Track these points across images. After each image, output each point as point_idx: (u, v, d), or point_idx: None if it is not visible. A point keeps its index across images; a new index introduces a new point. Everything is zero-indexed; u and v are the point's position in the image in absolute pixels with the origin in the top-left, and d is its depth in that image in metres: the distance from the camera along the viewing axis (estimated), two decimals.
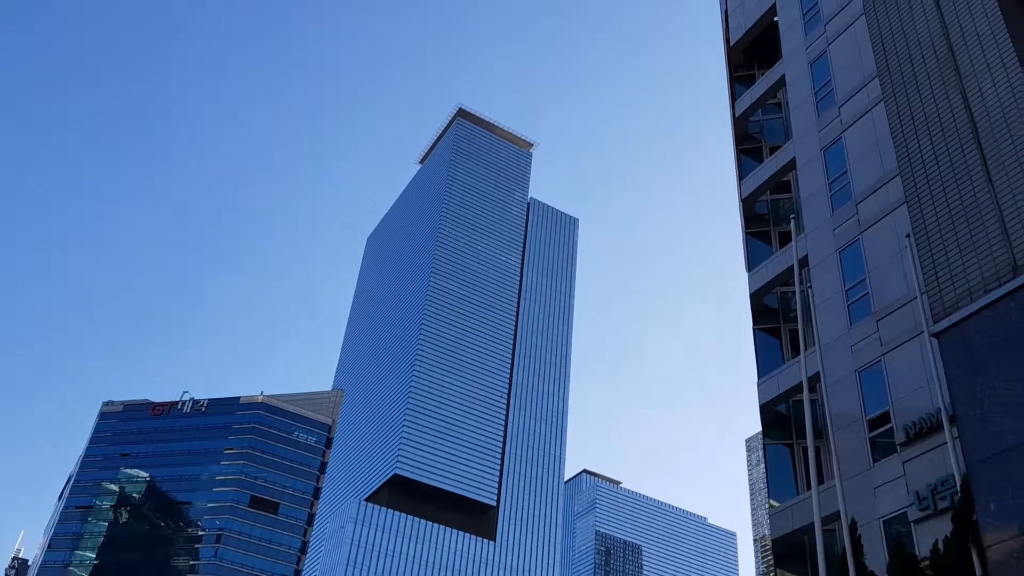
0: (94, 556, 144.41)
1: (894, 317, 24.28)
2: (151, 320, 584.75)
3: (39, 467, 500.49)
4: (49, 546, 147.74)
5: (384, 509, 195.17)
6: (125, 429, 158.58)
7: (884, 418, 23.51)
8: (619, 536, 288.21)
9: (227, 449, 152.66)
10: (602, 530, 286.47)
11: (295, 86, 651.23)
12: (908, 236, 15.15)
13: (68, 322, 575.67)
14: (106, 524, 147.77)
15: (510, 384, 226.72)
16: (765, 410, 29.60)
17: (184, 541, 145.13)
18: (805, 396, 20.22)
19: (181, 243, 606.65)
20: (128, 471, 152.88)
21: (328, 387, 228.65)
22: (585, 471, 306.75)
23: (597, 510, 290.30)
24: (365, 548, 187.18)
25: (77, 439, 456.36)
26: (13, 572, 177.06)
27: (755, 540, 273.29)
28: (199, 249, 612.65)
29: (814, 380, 24.99)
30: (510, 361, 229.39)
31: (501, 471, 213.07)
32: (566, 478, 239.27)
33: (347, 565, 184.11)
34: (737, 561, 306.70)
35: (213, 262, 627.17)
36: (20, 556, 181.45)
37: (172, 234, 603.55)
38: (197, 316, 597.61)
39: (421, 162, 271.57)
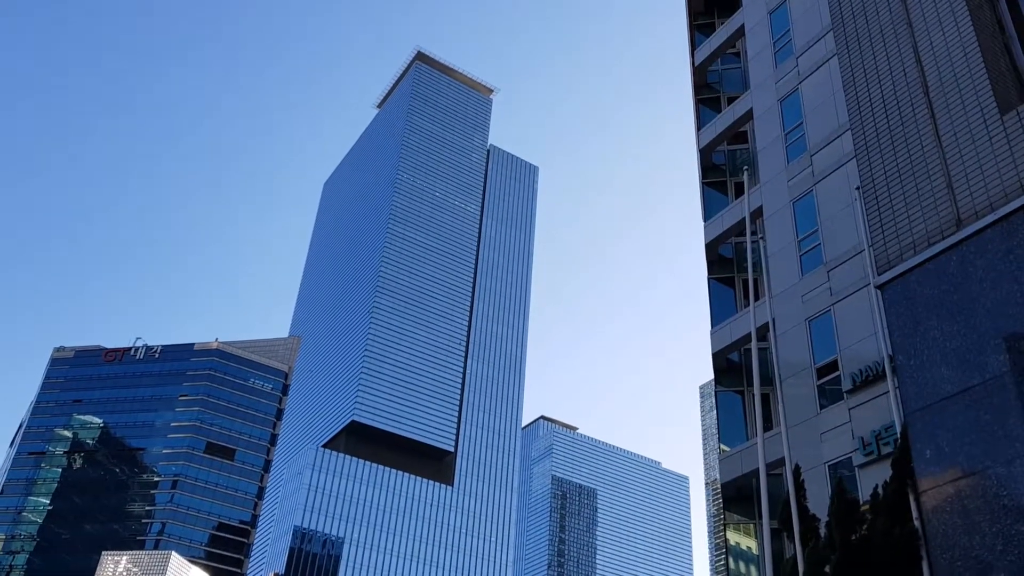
0: (48, 502, 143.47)
1: (844, 268, 24.72)
2: (103, 263, 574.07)
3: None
4: (1, 491, 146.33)
5: (342, 455, 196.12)
6: (77, 375, 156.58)
7: (832, 366, 24.08)
8: (575, 480, 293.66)
9: (182, 396, 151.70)
10: (558, 475, 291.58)
11: (249, 27, 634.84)
12: (857, 188, 15.42)
13: (15, 264, 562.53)
14: (60, 470, 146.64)
15: (469, 331, 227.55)
16: (717, 358, 30.13)
17: (139, 487, 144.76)
18: (754, 344, 20.61)
19: (134, 185, 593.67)
20: (81, 417, 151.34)
21: (285, 334, 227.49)
22: (542, 417, 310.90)
23: (554, 455, 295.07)
24: (323, 493, 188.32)
25: (27, 385, 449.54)
26: None
27: (707, 484, 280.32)
28: (153, 192, 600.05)
29: (765, 329, 25.44)
30: (469, 308, 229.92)
31: (459, 417, 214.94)
32: (523, 424, 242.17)
33: (304, 510, 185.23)
34: (689, 504, 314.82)
35: (168, 206, 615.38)
36: None
37: (125, 176, 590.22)
38: (150, 261, 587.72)
39: (379, 107, 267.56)
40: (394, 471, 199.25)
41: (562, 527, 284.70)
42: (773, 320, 24.86)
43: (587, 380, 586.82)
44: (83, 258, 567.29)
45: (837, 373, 23.76)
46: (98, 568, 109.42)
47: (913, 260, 11.47)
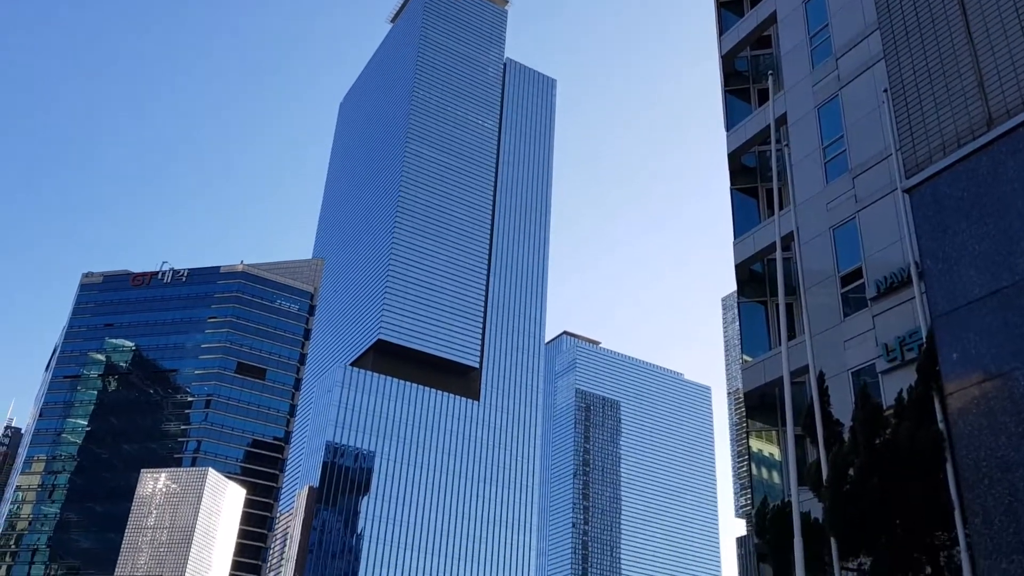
0: (86, 424, 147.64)
1: (870, 174, 24.35)
2: (126, 189, 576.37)
3: (23, 337, 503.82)
4: (40, 415, 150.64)
5: (370, 373, 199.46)
6: (107, 300, 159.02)
7: (856, 274, 23.97)
8: (598, 393, 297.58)
9: (211, 318, 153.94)
10: (582, 388, 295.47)
11: None
12: (885, 91, 15.00)
13: (42, 191, 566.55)
14: (95, 392, 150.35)
15: (490, 248, 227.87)
16: (740, 269, 30.04)
17: (174, 407, 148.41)
18: (778, 254, 20.51)
19: (153, 110, 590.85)
20: (113, 341, 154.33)
21: (308, 255, 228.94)
22: (565, 333, 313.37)
23: (577, 369, 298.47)
24: (353, 410, 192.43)
25: (59, 309, 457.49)
26: (7, 440, 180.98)
27: (729, 394, 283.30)
28: (173, 117, 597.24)
29: (789, 239, 25.26)
30: (490, 225, 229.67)
31: (483, 334, 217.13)
32: (547, 339, 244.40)
33: (336, 426, 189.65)
34: (712, 414, 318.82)
35: (188, 130, 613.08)
36: (12, 425, 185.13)
37: (144, 101, 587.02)
38: (173, 186, 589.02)
39: (392, 21, 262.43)
40: (421, 387, 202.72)
41: (586, 438, 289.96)
42: (797, 229, 24.66)
43: (609, 295, 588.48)
44: (106, 184, 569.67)
45: (861, 281, 23.66)
46: (138, 485, 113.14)
47: (943, 162, 11.26)
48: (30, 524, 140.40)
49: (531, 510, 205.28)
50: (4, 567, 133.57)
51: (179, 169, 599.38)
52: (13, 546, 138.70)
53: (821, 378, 16.26)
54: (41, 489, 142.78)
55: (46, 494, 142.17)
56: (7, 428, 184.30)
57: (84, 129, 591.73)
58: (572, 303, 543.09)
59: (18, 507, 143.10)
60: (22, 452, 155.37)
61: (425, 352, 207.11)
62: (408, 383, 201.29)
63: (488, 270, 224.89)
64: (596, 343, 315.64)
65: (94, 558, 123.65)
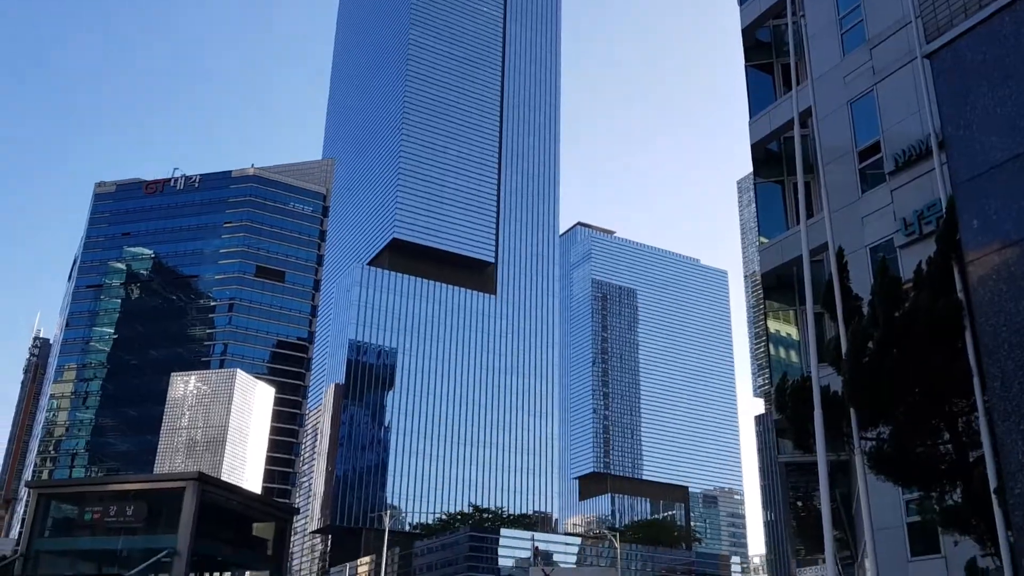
0: (112, 331, 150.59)
1: (888, 44, 23.74)
2: (130, 96, 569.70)
3: (44, 249, 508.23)
4: (67, 325, 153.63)
5: (386, 271, 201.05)
6: (122, 208, 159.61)
7: (874, 148, 23.69)
8: (614, 282, 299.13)
9: (226, 223, 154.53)
10: (598, 278, 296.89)
11: None
12: None
13: (53, 102, 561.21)
14: (119, 301, 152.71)
15: (500, 141, 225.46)
16: (756, 148, 29.70)
17: (198, 312, 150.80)
18: (796, 131, 20.24)
19: (155, 15, 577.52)
20: (131, 249, 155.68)
21: (318, 156, 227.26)
22: (579, 223, 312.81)
23: (592, 259, 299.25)
24: (372, 308, 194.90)
25: (77, 221, 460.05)
26: (36, 351, 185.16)
27: (745, 277, 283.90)
28: (174, 20, 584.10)
29: (805, 115, 24.87)
30: (498, 117, 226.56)
31: (497, 228, 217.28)
32: (561, 231, 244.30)
33: (356, 325, 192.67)
34: (728, 297, 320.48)
35: (185, 31, 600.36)
36: (40, 336, 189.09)
37: (145, 7, 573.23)
38: (178, 91, 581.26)
39: None
40: (438, 284, 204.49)
41: (604, 327, 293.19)
42: (814, 104, 24.25)
43: (623, 185, 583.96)
44: (113, 94, 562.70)
45: (879, 155, 23.41)
46: (170, 388, 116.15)
47: (964, 24, 10.99)
48: (67, 430, 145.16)
49: (552, 399, 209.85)
50: (46, 472, 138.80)
51: (183, 73, 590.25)
52: (53, 451, 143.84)
53: (840, 254, 16.30)
54: (75, 396, 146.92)
55: (80, 401, 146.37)
56: (35, 339, 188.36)
57: (91, 41, 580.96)
58: (585, 194, 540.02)
59: (54, 414, 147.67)
60: (52, 362, 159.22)
61: (440, 249, 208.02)
62: (425, 280, 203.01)
63: (499, 163, 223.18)
64: (610, 233, 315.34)
65: (132, 459, 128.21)
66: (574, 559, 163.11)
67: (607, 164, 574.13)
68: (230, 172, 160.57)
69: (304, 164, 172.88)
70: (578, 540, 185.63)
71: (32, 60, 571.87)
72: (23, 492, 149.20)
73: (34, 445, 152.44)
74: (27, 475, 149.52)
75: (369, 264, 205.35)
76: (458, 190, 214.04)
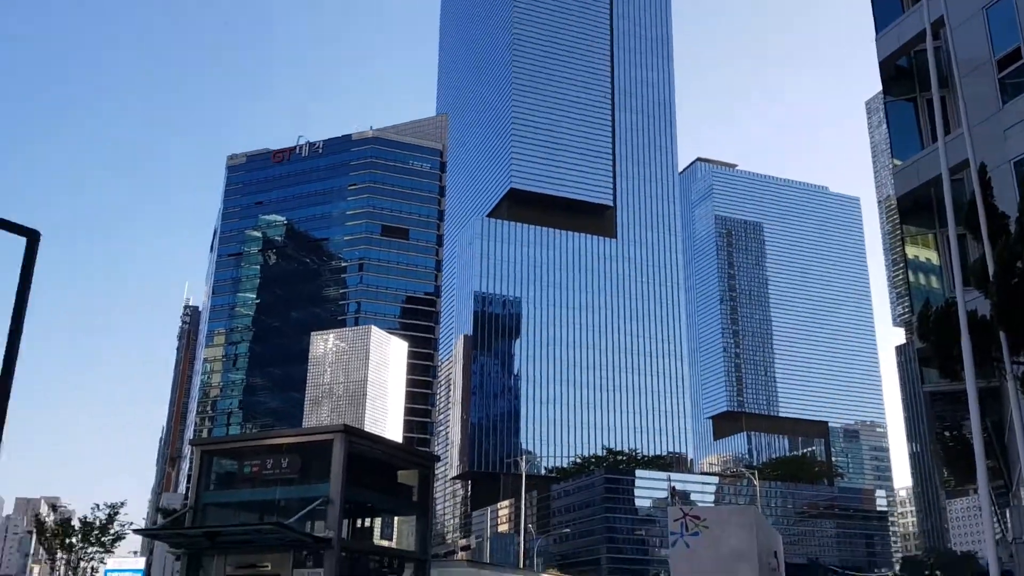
0: (255, 296, 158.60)
1: None
2: (247, 70, 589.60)
3: (187, 222, 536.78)
4: (213, 292, 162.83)
5: (506, 222, 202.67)
6: (253, 179, 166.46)
7: (1014, 56, 22.10)
8: (739, 217, 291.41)
9: (350, 185, 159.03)
10: (721, 214, 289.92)
11: None
12: None
13: (178, 77, 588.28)
14: (258, 267, 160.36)
15: (612, 81, 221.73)
16: (885, 66, 28.15)
17: (330, 273, 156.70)
18: (928, 43, 19.11)
19: None
20: (265, 217, 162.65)
21: (432, 113, 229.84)
22: (699, 159, 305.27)
23: (714, 195, 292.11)
24: (493, 260, 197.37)
25: (213, 192, 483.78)
26: (187, 319, 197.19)
27: (879, 202, 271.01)
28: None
29: (937, 26, 23.38)
30: (609, 57, 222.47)
31: (614, 170, 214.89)
32: (680, 168, 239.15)
33: (480, 277, 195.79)
34: (861, 225, 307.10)
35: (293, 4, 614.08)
36: (190, 304, 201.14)
37: None
38: (289, 61, 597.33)
39: None
40: (558, 231, 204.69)
41: (730, 264, 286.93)
42: (946, 13, 22.76)
43: (744, 116, 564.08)
44: (235, 66, 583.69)
45: (1020, 63, 21.84)
46: (310, 347, 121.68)
47: None
48: (221, 391, 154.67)
49: (680, 339, 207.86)
50: (205, 430, 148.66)
51: (296, 41, 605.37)
52: (210, 411, 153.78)
53: (983, 170, 15.43)
54: (225, 359, 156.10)
55: (230, 363, 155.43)
56: (186, 308, 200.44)
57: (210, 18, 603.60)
58: (704, 128, 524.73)
59: (208, 377, 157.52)
60: (203, 328, 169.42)
61: (557, 195, 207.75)
62: (544, 228, 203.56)
63: (612, 104, 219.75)
64: (732, 166, 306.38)
65: (281, 415, 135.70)
66: (711, 498, 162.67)
67: (725, 96, 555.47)
68: (350, 136, 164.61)
69: (419, 122, 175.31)
70: (715, 479, 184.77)
71: (155, 43, 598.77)
72: (187, 450, 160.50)
73: (193, 406, 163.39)
74: (188, 434, 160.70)
75: (488, 216, 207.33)
76: (572, 134, 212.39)
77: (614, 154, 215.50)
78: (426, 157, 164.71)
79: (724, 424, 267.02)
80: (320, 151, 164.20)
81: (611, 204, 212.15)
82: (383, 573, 18.91)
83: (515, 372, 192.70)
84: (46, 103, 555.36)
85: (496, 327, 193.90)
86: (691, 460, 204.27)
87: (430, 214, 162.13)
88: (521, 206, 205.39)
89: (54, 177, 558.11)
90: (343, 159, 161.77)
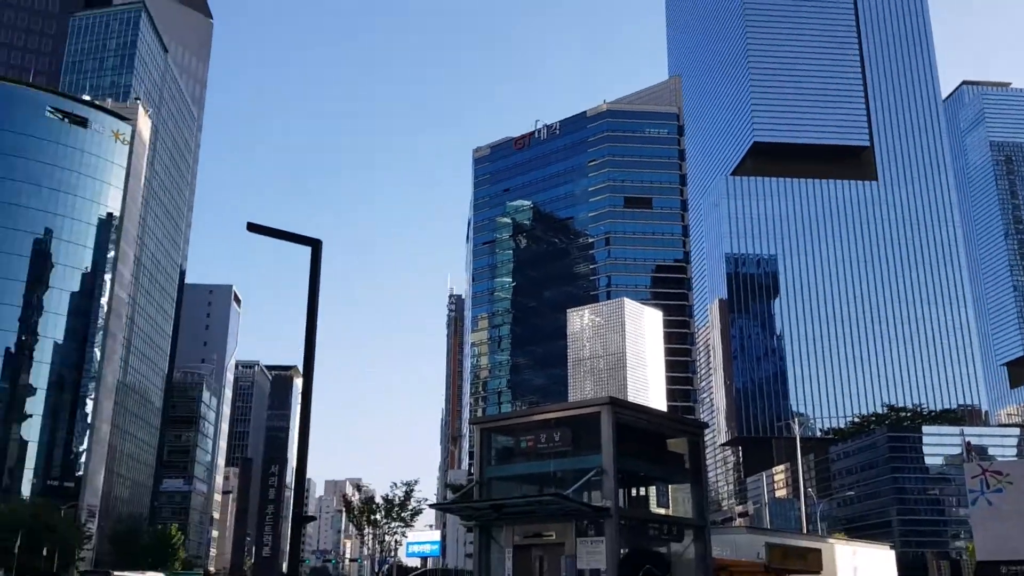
0: (510, 280, 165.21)
1: None
2: (481, 64, 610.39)
3: (444, 216, 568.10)
4: (473, 280, 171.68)
5: (752, 179, 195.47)
6: (498, 168, 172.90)
7: None
8: (1018, 141, 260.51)
9: (590, 162, 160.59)
10: (997, 139, 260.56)
11: None
12: None
13: (418, 76, 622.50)
14: (511, 252, 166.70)
15: (855, 10, 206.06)
16: None
17: (578, 250, 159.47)
18: None
19: None
20: (512, 203, 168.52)
21: (664, 77, 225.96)
22: (965, 82, 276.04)
23: (987, 120, 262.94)
24: (742, 219, 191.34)
25: (463, 184, 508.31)
26: (453, 307, 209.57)
27: None
28: None
29: None
30: None
31: (867, 108, 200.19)
32: (943, 95, 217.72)
33: (730, 237, 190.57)
34: None
35: None
36: (453, 293, 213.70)
37: None
38: (520, 48, 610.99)
39: None
40: (809, 181, 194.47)
41: (1012, 193, 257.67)
42: None
43: (1011, 28, 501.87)
44: (467, 61, 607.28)
45: None
46: (567, 324, 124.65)
47: None
48: (490, 372, 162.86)
49: (960, 282, 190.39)
50: (479, 409, 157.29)
51: (522, 24, 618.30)
52: (482, 391, 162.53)
53: None
54: (490, 342, 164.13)
55: (495, 345, 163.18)
56: (450, 297, 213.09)
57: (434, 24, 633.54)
58: (965, 47, 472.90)
59: (477, 359, 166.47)
60: (467, 314, 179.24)
61: (806, 143, 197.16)
62: (794, 179, 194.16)
63: (858, 35, 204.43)
64: (1005, 85, 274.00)
65: (547, 392, 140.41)
66: (1013, 452, 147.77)
67: (987, 7, 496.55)
68: (584, 112, 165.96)
69: (652, 88, 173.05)
70: (1015, 431, 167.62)
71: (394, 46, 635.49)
72: (466, 429, 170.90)
73: (466, 387, 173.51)
74: (465, 414, 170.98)
75: (732, 174, 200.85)
76: (816, 75, 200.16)
77: (866, 90, 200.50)
78: (662, 123, 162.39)
79: (1022, 371, 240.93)
80: (557, 132, 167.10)
81: (867, 145, 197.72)
82: (663, 540, 19.25)
83: (777, 332, 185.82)
84: (309, 109, 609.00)
85: (752, 288, 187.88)
86: (985, 412, 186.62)
87: (672, 180, 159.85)
88: (767, 159, 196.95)
89: (329, 183, 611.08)
90: (580, 137, 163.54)
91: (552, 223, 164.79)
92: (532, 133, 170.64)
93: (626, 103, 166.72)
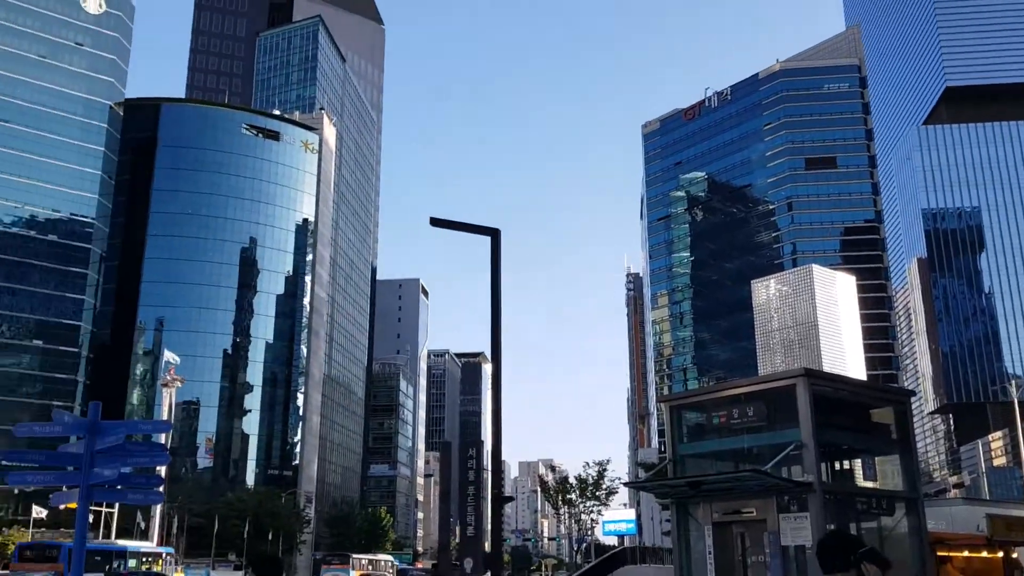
0: (688, 254, 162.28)
1: None
2: (643, 38, 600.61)
3: (619, 193, 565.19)
4: (650, 257, 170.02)
5: (946, 127, 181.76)
6: (668, 141, 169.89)
7: None
8: None
9: (765, 125, 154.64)
10: None
11: None
12: None
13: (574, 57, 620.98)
14: (686, 225, 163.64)
15: None
16: None
17: (758, 218, 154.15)
18: None
19: None
20: (685, 176, 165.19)
21: (840, 28, 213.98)
22: None
23: None
24: (939, 170, 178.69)
25: (632, 161, 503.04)
26: (631, 285, 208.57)
27: None
28: None
29: None
30: None
31: None
32: None
33: (925, 191, 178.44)
34: None
35: None
36: (631, 272, 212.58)
37: None
38: (683, 15, 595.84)
39: None
40: (1010, 124, 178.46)
41: None
42: None
43: None
44: (629, 34, 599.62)
45: None
46: (752, 296, 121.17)
47: None
48: (673, 349, 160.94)
49: None
50: (665, 388, 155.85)
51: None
52: (666, 368, 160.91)
53: None
54: (672, 318, 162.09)
55: (677, 321, 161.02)
56: (628, 276, 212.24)
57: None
58: None
59: (659, 337, 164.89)
60: (646, 292, 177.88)
61: (1003, 83, 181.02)
62: (993, 124, 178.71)
63: None
64: None
65: (734, 366, 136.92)
66: None
67: None
68: (757, 75, 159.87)
69: (828, 41, 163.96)
70: None
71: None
72: (652, 407, 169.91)
73: (650, 365, 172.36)
74: (651, 392, 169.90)
75: (924, 124, 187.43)
76: (1010, 9, 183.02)
77: None
78: (842, 76, 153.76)
79: None
80: (729, 98, 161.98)
81: None
82: (872, 514, 18.62)
83: (985, 290, 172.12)
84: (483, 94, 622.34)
85: (954, 244, 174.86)
86: None
87: (856, 136, 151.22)
88: (962, 104, 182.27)
89: (502, 172, 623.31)
90: (753, 100, 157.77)
91: (729, 193, 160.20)
92: (702, 102, 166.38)
93: (801, 60, 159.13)
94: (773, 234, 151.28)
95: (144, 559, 56.86)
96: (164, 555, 61.61)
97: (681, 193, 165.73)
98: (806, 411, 18.35)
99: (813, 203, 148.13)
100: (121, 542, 64.06)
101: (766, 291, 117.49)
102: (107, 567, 48.98)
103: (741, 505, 19.78)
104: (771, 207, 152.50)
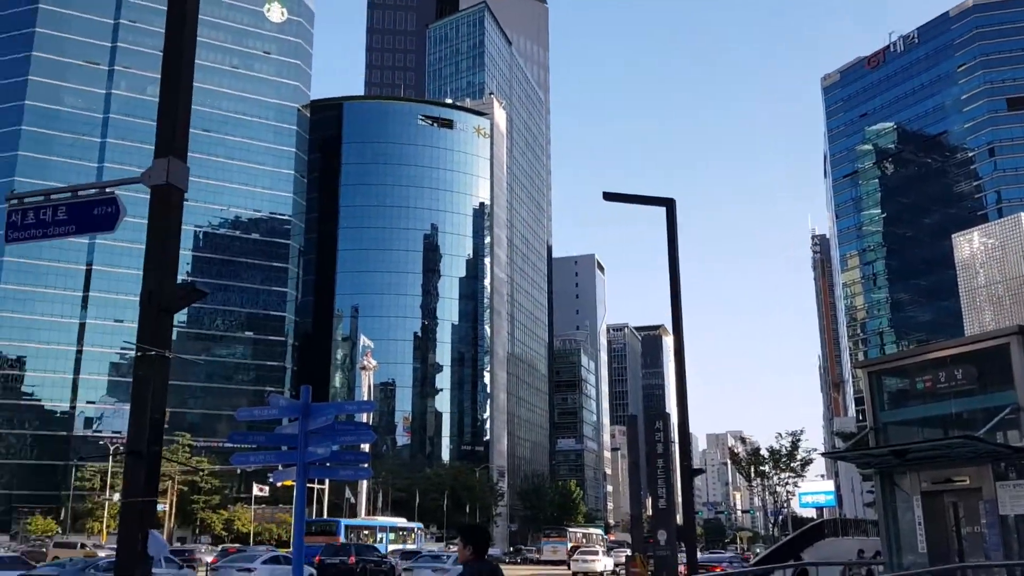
0: (879, 211, 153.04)
1: None
2: None
3: (793, 151, 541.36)
4: (836, 217, 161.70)
5: None
6: (850, 93, 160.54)
7: None
8: None
9: (959, 67, 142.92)
10: None
11: None
12: None
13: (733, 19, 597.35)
14: (876, 180, 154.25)
15: None
16: None
17: (956, 167, 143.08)
18: None
19: None
20: (872, 128, 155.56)
21: None
22: None
23: None
24: None
25: (810, 118, 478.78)
26: (817, 248, 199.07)
27: None
28: None
29: None
30: None
31: None
32: None
33: None
34: None
35: None
36: (816, 234, 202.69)
37: None
38: None
39: None
40: None
41: None
42: None
43: None
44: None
45: None
46: (955, 251, 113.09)
47: None
48: (866, 312, 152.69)
49: None
50: (859, 353, 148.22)
51: None
52: (861, 333, 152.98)
53: None
54: (864, 280, 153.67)
55: (870, 283, 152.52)
56: (813, 238, 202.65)
57: None
58: None
59: (850, 300, 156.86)
60: (834, 254, 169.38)
61: None
62: None
63: None
64: None
65: (936, 327, 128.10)
66: None
67: None
68: (947, 13, 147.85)
69: None
70: None
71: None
72: (846, 375, 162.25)
73: (842, 331, 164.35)
74: (844, 358, 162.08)
75: None
76: None
77: None
78: None
79: None
80: (916, 41, 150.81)
81: None
82: None
83: None
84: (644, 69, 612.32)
85: None
86: None
87: None
88: None
89: (673, 142, 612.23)
90: (944, 41, 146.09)
91: (921, 142, 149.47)
92: (886, 48, 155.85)
93: None
94: (974, 183, 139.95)
95: (400, 532, 65.22)
96: (416, 530, 69.57)
97: (868, 147, 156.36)
98: (1022, 371, 17.18)
99: (1018, 146, 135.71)
100: (380, 519, 71.62)
101: (969, 245, 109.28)
102: (372, 540, 56.58)
103: (952, 473, 18.81)
104: (970, 154, 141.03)
